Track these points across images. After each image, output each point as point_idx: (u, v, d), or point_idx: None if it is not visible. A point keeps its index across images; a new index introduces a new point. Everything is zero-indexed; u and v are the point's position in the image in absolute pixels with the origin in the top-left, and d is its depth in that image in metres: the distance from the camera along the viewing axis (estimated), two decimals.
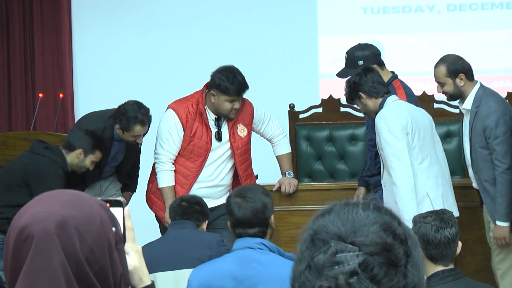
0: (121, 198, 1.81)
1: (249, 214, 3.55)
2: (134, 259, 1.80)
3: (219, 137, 5.41)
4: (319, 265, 1.28)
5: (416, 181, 4.84)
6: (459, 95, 5.12)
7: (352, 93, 4.99)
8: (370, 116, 5.04)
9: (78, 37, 7.93)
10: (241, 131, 5.47)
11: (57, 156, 5.30)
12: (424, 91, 6.49)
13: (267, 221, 3.60)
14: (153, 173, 5.56)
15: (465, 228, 5.59)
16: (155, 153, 5.50)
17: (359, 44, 5.46)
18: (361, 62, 5.29)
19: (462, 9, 7.48)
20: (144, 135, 5.50)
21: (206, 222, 4.66)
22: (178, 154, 5.43)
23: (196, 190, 5.39)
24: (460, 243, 3.61)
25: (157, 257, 4.28)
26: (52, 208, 1.57)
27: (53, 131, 6.73)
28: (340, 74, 5.39)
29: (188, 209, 4.57)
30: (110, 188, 5.78)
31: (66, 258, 1.53)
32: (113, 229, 1.62)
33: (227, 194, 5.51)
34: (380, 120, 4.87)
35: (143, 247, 4.59)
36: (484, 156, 5.01)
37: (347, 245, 1.28)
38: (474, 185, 5.16)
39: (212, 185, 5.46)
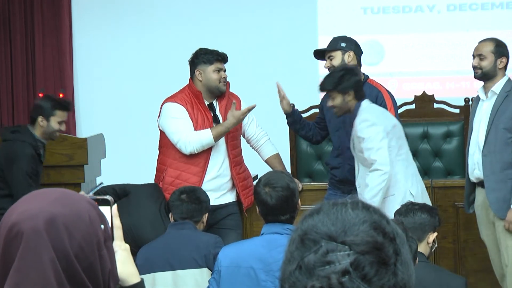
0: (109, 197, 1.82)
1: (281, 202, 3.74)
2: (121, 257, 1.82)
3: (216, 120, 5.45)
4: (310, 265, 1.28)
5: (398, 179, 4.94)
6: (490, 76, 5.16)
7: (345, 83, 5.00)
8: (336, 112, 5.07)
9: (79, 37, 7.93)
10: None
11: (25, 135, 5.35)
12: (424, 91, 6.49)
13: (296, 206, 3.80)
14: (161, 172, 5.53)
15: (465, 228, 5.60)
16: (177, 143, 5.39)
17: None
18: (343, 44, 5.39)
19: (462, 9, 7.49)
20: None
21: (207, 214, 4.66)
22: None
23: (208, 182, 5.39)
24: (434, 234, 3.96)
25: (156, 257, 4.33)
26: (41, 206, 1.59)
27: None
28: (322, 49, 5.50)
29: (188, 207, 4.57)
30: None
31: (56, 255, 1.55)
32: (102, 226, 1.64)
33: (234, 190, 5.51)
34: (363, 123, 4.94)
35: (143, 247, 4.55)
36: (505, 139, 5.02)
37: (338, 245, 1.28)
38: (478, 172, 5.14)
39: (219, 174, 5.47)
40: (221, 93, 5.46)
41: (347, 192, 5.37)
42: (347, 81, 4.97)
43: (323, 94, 5.35)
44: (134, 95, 7.71)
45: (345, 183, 5.38)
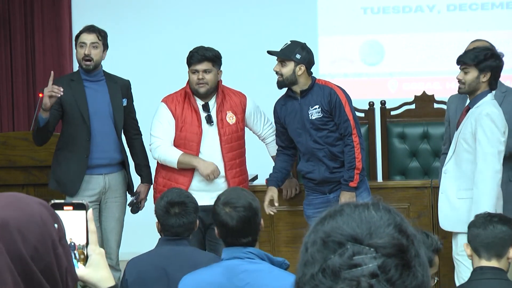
0: (84, 201, 1.84)
1: (242, 224, 3.41)
2: (95, 261, 1.84)
3: (210, 120, 5.43)
4: (335, 268, 1.27)
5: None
6: None
7: (488, 62, 4.82)
8: (462, 88, 4.85)
9: None
10: (230, 118, 5.50)
11: None
12: (424, 91, 6.49)
13: (258, 228, 3.47)
14: (156, 172, 5.55)
15: None
16: (150, 145, 5.51)
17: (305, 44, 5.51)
18: (298, 56, 5.35)
19: (462, 9, 7.48)
20: (94, 47, 5.55)
21: (197, 221, 4.19)
22: (174, 145, 5.44)
23: (201, 182, 5.39)
24: None
25: (150, 277, 3.91)
26: None
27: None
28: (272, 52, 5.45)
29: (179, 222, 4.03)
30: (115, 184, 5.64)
31: (11, 259, 1.54)
32: (56, 225, 1.63)
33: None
34: (488, 118, 4.75)
35: (131, 262, 4.17)
36: None
37: (364, 247, 1.27)
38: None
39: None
40: (200, 94, 5.45)
41: (329, 191, 5.37)
42: (492, 62, 4.81)
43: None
44: (134, 95, 7.70)
45: (325, 183, 5.38)
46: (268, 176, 5.59)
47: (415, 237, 1.32)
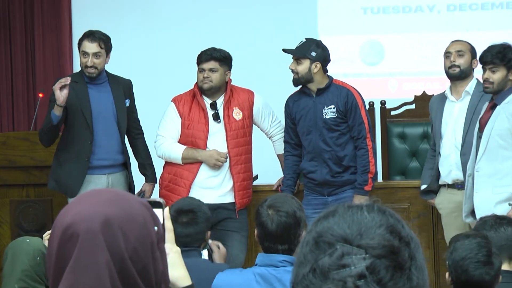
0: (161, 200, 1.83)
1: (282, 229, 3.33)
2: (172, 260, 1.85)
3: (217, 118, 5.46)
4: (325, 268, 1.27)
5: None
6: (466, 74, 5.27)
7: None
8: (489, 87, 4.87)
9: (79, 37, 7.92)
10: (236, 114, 5.53)
11: None
12: (424, 91, 6.49)
13: (298, 239, 3.36)
14: (162, 168, 5.58)
15: None
16: (154, 143, 5.58)
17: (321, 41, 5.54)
18: (313, 54, 5.36)
19: (462, 9, 7.48)
20: (97, 56, 5.57)
21: (209, 232, 4.00)
22: (181, 142, 5.48)
23: (207, 179, 5.42)
24: None
25: None
26: (96, 207, 1.57)
27: None
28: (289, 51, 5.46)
29: (187, 231, 3.85)
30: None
31: (111, 257, 1.54)
32: (155, 228, 1.63)
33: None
34: None
35: None
36: None
37: (354, 248, 1.27)
38: (457, 174, 5.18)
39: (218, 173, 5.46)
40: (205, 92, 5.50)
41: (328, 194, 5.36)
42: None
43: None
44: (134, 94, 7.70)
45: (325, 185, 5.39)
46: (276, 180, 5.59)
47: (411, 239, 1.31)
